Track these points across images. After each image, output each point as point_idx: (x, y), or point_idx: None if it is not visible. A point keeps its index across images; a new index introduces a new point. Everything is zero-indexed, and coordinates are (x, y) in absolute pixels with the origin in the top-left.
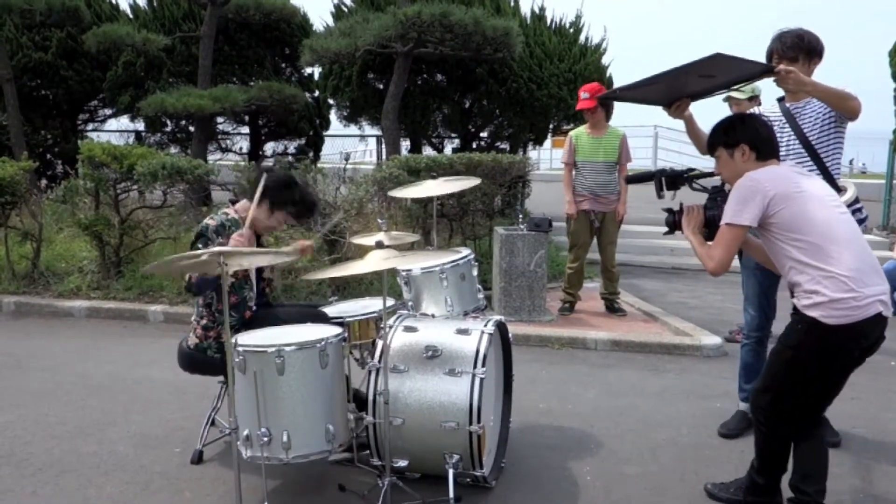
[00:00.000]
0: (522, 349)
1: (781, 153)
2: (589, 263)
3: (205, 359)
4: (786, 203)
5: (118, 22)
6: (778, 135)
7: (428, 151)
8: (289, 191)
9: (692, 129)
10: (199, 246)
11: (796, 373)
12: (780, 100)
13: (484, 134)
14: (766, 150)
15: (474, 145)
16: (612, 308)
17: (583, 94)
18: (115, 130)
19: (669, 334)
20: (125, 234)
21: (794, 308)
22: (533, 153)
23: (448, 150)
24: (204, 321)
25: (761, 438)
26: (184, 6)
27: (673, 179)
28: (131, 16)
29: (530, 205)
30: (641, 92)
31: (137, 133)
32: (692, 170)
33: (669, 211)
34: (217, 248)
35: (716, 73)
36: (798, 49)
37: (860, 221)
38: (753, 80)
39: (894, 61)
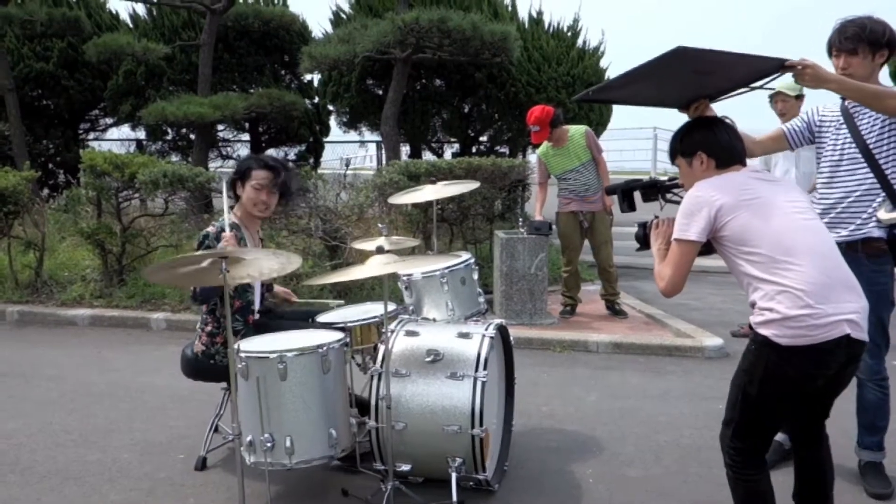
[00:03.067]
0: (525, 352)
1: (834, 157)
2: (591, 266)
3: (209, 365)
4: (735, 213)
5: (118, 31)
6: (833, 137)
7: (428, 156)
8: (249, 160)
9: None
10: None
11: (752, 401)
12: (844, 97)
13: (483, 138)
14: (725, 156)
15: (474, 150)
16: (614, 310)
17: (533, 128)
18: (116, 139)
19: (671, 336)
20: (127, 243)
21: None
22: (532, 157)
23: (448, 154)
24: (209, 327)
25: (732, 487)
26: (183, 15)
27: (646, 191)
28: (131, 25)
29: (530, 208)
30: (626, 93)
31: (138, 142)
32: (674, 178)
33: (641, 224)
34: (218, 251)
35: (713, 69)
36: (858, 39)
37: None
38: (774, 77)
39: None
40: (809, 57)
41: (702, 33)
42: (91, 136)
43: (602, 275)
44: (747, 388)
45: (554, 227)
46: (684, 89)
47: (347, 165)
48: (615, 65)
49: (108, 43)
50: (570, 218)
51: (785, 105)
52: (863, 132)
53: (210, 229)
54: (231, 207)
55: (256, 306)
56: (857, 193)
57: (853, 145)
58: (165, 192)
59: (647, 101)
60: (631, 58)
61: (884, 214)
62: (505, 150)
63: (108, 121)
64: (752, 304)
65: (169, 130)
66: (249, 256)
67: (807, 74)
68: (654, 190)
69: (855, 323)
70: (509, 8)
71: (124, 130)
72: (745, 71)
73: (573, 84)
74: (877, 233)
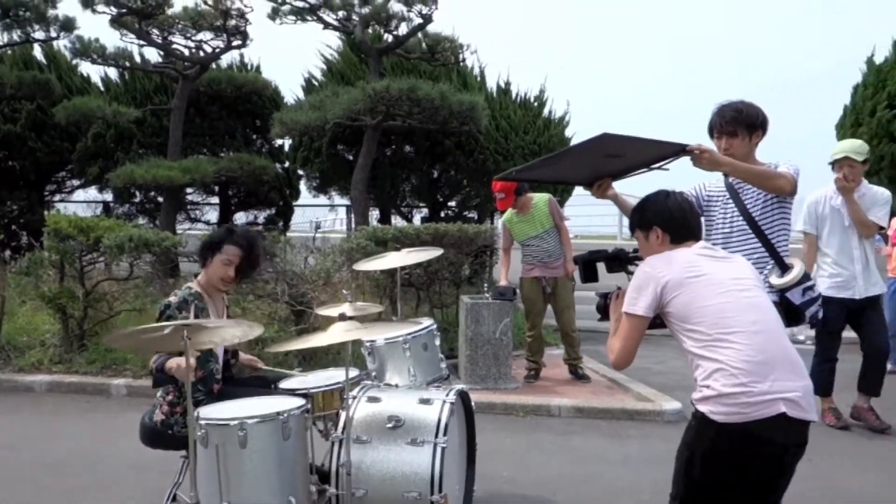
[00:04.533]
0: (488, 417)
1: (725, 229)
2: (556, 330)
3: (168, 435)
4: (679, 290)
5: (89, 94)
6: (721, 210)
7: (397, 220)
8: (225, 233)
9: (622, 207)
10: None
11: (695, 479)
12: (727, 174)
13: (452, 203)
14: (678, 232)
15: (443, 214)
16: (577, 374)
17: (498, 195)
18: (82, 201)
19: (632, 400)
20: (89, 307)
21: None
22: (500, 222)
23: (417, 219)
24: (170, 397)
25: None
26: (156, 79)
27: (609, 262)
28: (102, 88)
29: (497, 273)
30: (546, 172)
31: (105, 204)
32: (637, 250)
33: (602, 295)
34: (181, 322)
35: (624, 153)
36: (736, 122)
37: (811, 301)
38: (674, 159)
39: (841, 133)
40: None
41: (666, 108)
42: (57, 197)
43: (564, 339)
44: (689, 464)
45: (518, 292)
46: (594, 169)
47: (317, 229)
48: (580, 134)
49: (78, 106)
50: (533, 283)
51: (853, 171)
52: (748, 206)
53: (172, 299)
54: (195, 275)
55: (219, 375)
56: (750, 262)
57: (741, 218)
58: (131, 257)
59: (557, 179)
60: (595, 126)
61: (775, 280)
62: (473, 215)
63: (76, 182)
64: (695, 381)
65: (137, 193)
66: (211, 325)
67: (704, 159)
68: (617, 261)
69: (793, 402)
70: (478, 78)
71: (91, 192)
72: (649, 154)
73: (539, 152)
74: (770, 297)
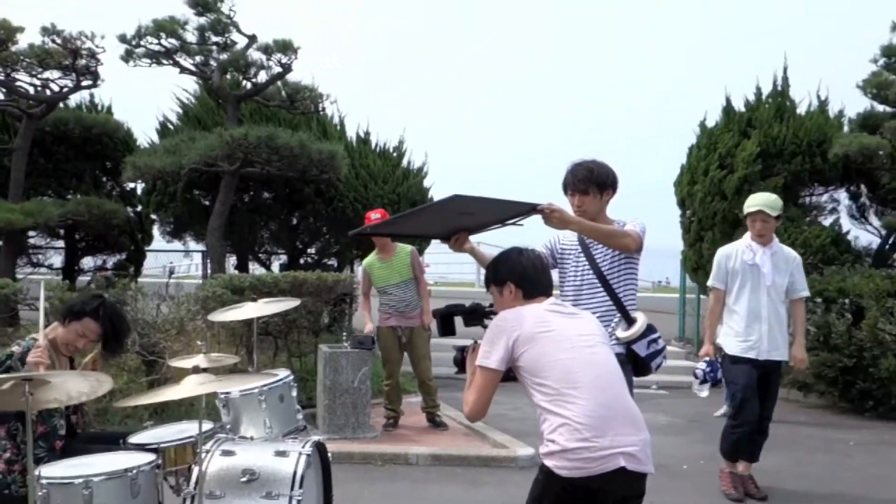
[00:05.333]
0: (346, 467)
1: (576, 282)
2: (414, 378)
3: (4, 496)
4: (529, 344)
5: None
6: (574, 264)
7: (255, 267)
8: (92, 305)
9: (479, 260)
10: None
11: None
12: None
13: (312, 250)
14: (530, 288)
15: (302, 261)
16: (435, 422)
17: (374, 216)
18: None
19: (488, 447)
20: None
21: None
22: (359, 269)
23: (276, 266)
24: (7, 454)
25: None
26: None
27: (466, 316)
28: None
29: (357, 321)
30: (402, 227)
31: None
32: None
33: (459, 349)
34: (22, 374)
35: (475, 210)
36: (588, 182)
37: (656, 353)
38: (526, 217)
39: (679, 190)
40: None
41: (519, 164)
42: None
43: (422, 388)
44: None
45: (376, 340)
46: (448, 225)
47: (171, 274)
48: (438, 185)
49: None
50: (390, 332)
51: (765, 226)
52: (597, 260)
53: (15, 348)
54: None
55: (63, 431)
56: (598, 315)
57: (591, 272)
58: None
59: (414, 233)
60: (452, 177)
61: (621, 333)
62: (333, 262)
63: None
64: (541, 434)
65: None
66: (57, 379)
67: (554, 218)
68: (475, 315)
69: (632, 455)
70: (338, 127)
71: None
72: (501, 212)
73: (399, 202)
74: (617, 349)
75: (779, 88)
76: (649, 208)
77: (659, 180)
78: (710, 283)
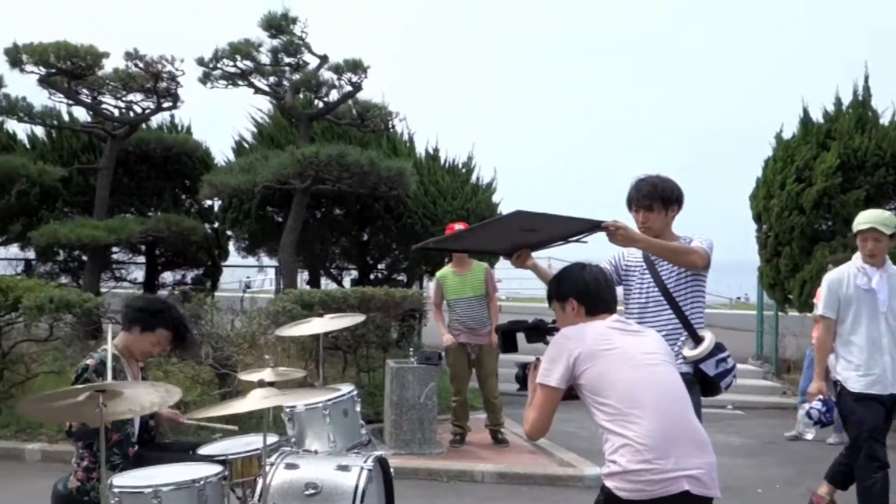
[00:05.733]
0: (411, 483)
1: (642, 300)
2: (480, 394)
3: (86, 502)
4: (591, 362)
5: (14, 152)
6: (639, 281)
7: (327, 282)
8: (164, 314)
9: (541, 276)
10: None
11: None
12: None
13: (381, 266)
14: (592, 305)
15: (372, 276)
16: (497, 439)
17: (457, 226)
18: (3, 258)
19: (554, 465)
20: (6, 369)
21: None
22: (429, 284)
23: (347, 281)
24: (85, 462)
25: None
26: (83, 138)
27: (529, 332)
28: (28, 146)
29: (426, 337)
30: (464, 243)
31: (27, 261)
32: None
33: (522, 366)
34: (96, 385)
35: (538, 227)
36: (652, 197)
37: (725, 372)
38: (589, 234)
39: (755, 204)
40: None
41: (591, 183)
42: None
43: (486, 405)
44: None
45: (444, 356)
46: (512, 241)
47: (247, 289)
48: (507, 201)
49: (1, 164)
50: (459, 349)
51: (878, 245)
52: (664, 278)
53: (89, 361)
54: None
55: (136, 438)
56: (663, 333)
57: (657, 289)
58: (51, 317)
59: (477, 248)
60: (523, 193)
61: (688, 352)
62: (402, 277)
63: None
64: (604, 454)
65: (60, 251)
66: (128, 390)
67: (619, 235)
68: (537, 332)
69: (696, 479)
70: (407, 144)
71: (12, 250)
72: (565, 229)
73: (468, 217)
74: (684, 368)
75: (860, 98)
76: (720, 223)
77: (731, 197)
78: (820, 311)
